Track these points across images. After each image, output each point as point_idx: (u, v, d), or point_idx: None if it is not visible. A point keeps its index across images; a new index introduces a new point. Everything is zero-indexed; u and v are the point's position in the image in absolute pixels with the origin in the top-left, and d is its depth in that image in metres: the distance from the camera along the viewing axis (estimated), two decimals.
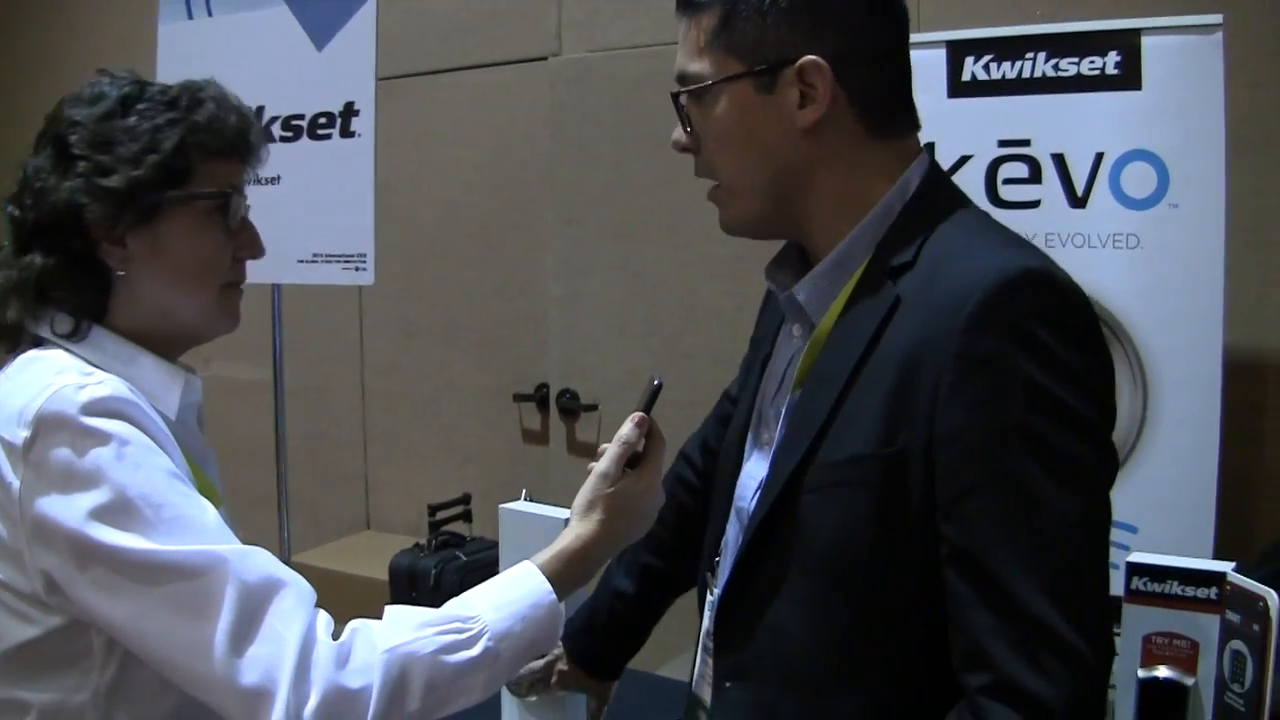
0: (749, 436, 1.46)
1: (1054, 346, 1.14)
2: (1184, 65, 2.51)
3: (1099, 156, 2.61)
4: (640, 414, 1.43)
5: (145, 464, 1.26)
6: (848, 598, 1.24)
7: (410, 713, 1.22)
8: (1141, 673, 1.55)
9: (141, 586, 1.22)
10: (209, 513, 1.28)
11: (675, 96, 1.34)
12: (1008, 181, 2.71)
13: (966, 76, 2.75)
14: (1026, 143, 2.69)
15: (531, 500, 1.90)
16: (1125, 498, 2.55)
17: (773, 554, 1.29)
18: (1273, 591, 1.38)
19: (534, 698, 1.83)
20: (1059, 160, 2.65)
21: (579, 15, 3.88)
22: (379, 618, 1.30)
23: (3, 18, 5.78)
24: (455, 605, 1.31)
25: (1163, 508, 2.51)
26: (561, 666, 1.78)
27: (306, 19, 2.96)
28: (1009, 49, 2.69)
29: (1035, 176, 2.68)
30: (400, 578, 3.63)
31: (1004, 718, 1.10)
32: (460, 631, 1.27)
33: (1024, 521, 1.13)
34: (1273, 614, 1.37)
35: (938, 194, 1.34)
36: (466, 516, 3.93)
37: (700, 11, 1.31)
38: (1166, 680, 1.54)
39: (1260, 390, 2.83)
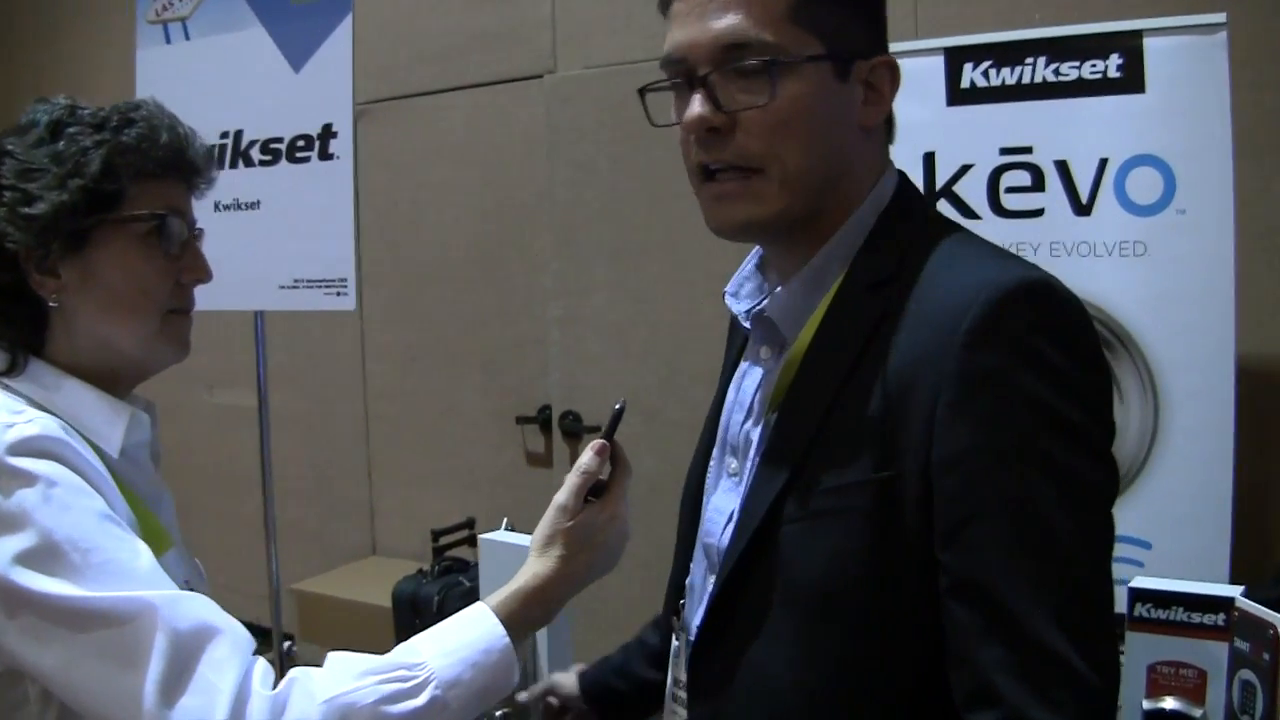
0: (712, 468, 1.39)
1: (1058, 361, 1.08)
2: (1188, 66, 2.44)
3: (1103, 162, 2.53)
4: (600, 441, 1.36)
5: (74, 506, 1.21)
6: (838, 635, 1.16)
7: None
8: (1147, 704, 1.48)
9: (69, 633, 1.16)
10: (142, 556, 1.22)
11: (736, 64, 1.19)
12: (1010, 190, 2.65)
13: (965, 84, 2.68)
14: (1028, 150, 2.62)
15: (512, 530, 1.83)
16: (1137, 513, 2.51)
17: (752, 592, 1.21)
18: None
19: None
20: (1062, 167, 2.58)
21: (574, 32, 3.84)
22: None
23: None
24: (401, 651, 1.25)
25: (1176, 522, 2.45)
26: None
27: (283, 40, 2.91)
28: (1008, 54, 2.62)
29: (1038, 184, 2.61)
30: (403, 605, 3.58)
31: None
32: (404, 680, 1.20)
33: (1034, 547, 1.06)
34: None
35: (912, 205, 1.28)
36: (471, 541, 3.87)
37: None
38: (1173, 712, 1.47)
39: (1274, 399, 2.75)
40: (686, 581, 1.40)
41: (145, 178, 1.39)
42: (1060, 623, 1.03)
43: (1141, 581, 1.52)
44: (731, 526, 1.27)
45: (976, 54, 2.66)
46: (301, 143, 2.89)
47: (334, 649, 1.25)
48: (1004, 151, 2.64)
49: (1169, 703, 1.47)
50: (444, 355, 4.28)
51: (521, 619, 1.30)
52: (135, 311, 1.40)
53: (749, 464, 1.28)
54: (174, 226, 1.42)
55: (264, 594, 4.57)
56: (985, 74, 2.65)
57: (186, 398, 4.80)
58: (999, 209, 2.65)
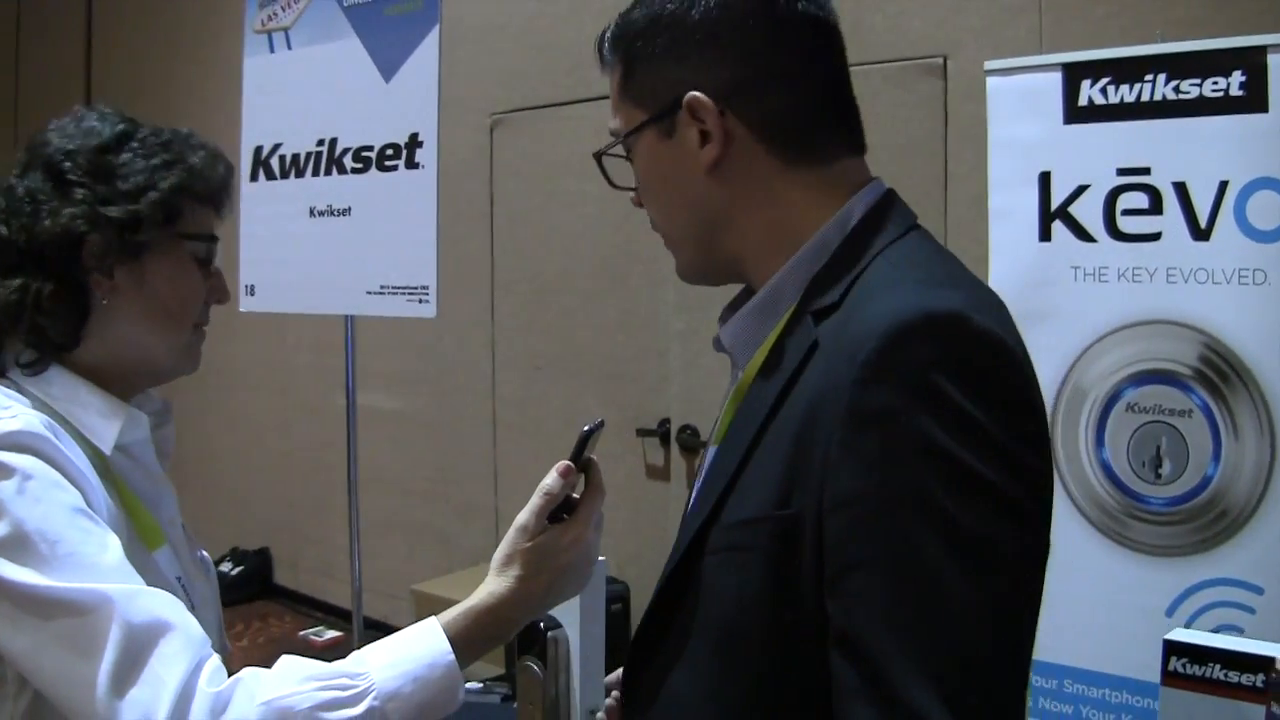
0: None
1: (959, 400, 0.98)
2: None
3: (1223, 185, 2.41)
4: (565, 463, 1.34)
5: (45, 499, 1.25)
6: (741, 670, 1.11)
7: None
8: None
9: (36, 620, 1.21)
10: (109, 550, 1.26)
11: (597, 156, 1.30)
12: (1126, 213, 2.54)
13: (1083, 101, 2.59)
14: (1146, 171, 2.51)
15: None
16: (1250, 554, 2.39)
17: (678, 618, 1.18)
18: None
19: None
20: (1181, 189, 2.47)
21: None
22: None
23: (115, 38, 6.37)
24: (349, 660, 1.26)
25: None
26: None
27: (376, 51, 2.97)
28: (1127, 71, 2.52)
29: (1156, 207, 2.50)
30: None
31: None
32: (345, 689, 1.21)
33: (914, 604, 0.97)
34: None
35: (882, 225, 1.19)
36: None
37: (611, 68, 1.26)
38: None
39: None
40: None
41: (200, 202, 1.49)
42: (938, 688, 0.94)
43: (1178, 635, 1.42)
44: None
45: (1094, 70, 2.56)
46: (390, 151, 2.93)
47: None
48: (1121, 172, 2.54)
49: None
50: (569, 364, 4.31)
51: (472, 636, 1.29)
52: (173, 321, 1.48)
53: (693, 494, 1.26)
54: (214, 250, 1.52)
55: (389, 593, 4.67)
56: (1103, 91, 2.55)
57: (325, 400, 4.94)
58: (1115, 232, 2.55)
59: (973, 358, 1.02)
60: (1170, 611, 2.42)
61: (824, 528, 1.03)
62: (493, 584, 1.32)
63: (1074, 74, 2.59)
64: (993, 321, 1.05)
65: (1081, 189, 2.59)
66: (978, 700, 0.96)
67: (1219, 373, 2.43)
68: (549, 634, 2.47)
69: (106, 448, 1.40)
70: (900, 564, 0.98)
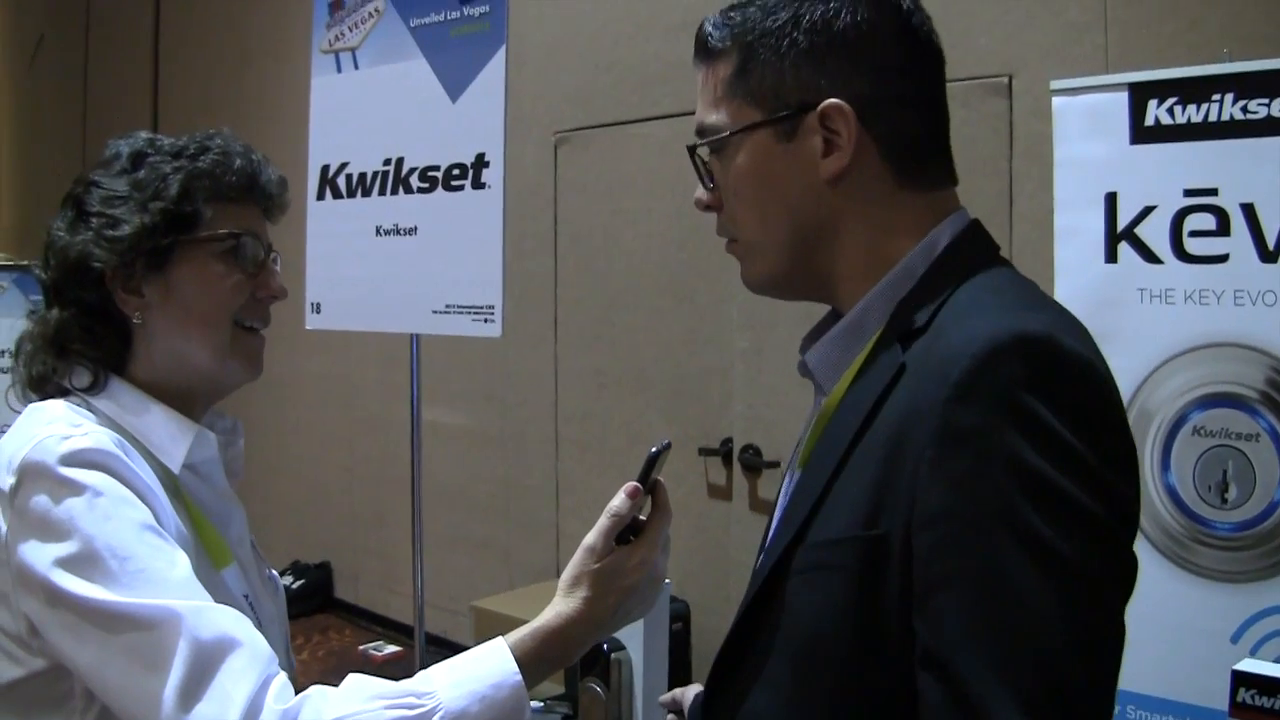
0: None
1: (1049, 421, 0.99)
2: None
3: None
4: (633, 484, 1.34)
5: (115, 515, 1.27)
6: (825, 689, 1.11)
7: None
8: None
9: (103, 634, 1.23)
10: (178, 567, 1.28)
11: (691, 151, 1.27)
12: (1194, 234, 2.51)
13: (1150, 121, 2.56)
14: (1214, 192, 2.48)
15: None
16: None
17: (761, 638, 1.18)
18: None
19: None
20: (1248, 210, 2.43)
21: None
22: None
23: (183, 58, 6.51)
24: (416, 679, 1.26)
25: None
26: None
27: (442, 71, 2.99)
28: (1194, 91, 2.49)
29: (1224, 228, 2.47)
30: None
31: None
32: (412, 707, 1.22)
33: (1000, 623, 0.98)
34: None
35: (969, 252, 1.21)
36: None
37: (716, 59, 1.24)
38: None
39: None
40: None
41: (222, 201, 1.49)
42: (1023, 708, 0.95)
43: (1247, 665, 1.40)
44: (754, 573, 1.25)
45: (1161, 90, 2.54)
46: (456, 171, 2.95)
47: None
48: (1188, 193, 2.51)
49: None
50: (632, 382, 4.31)
51: (538, 656, 1.29)
52: (207, 322, 1.49)
53: (776, 515, 1.26)
54: (248, 246, 1.51)
55: (449, 608, 4.70)
56: (1170, 111, 2.53)
57: (388, 415, 4.98)
58: (1182, 253, 2.52)
59: (1063, 379, 1.03)
60: (1235, 638, 2.38)
61: (913, 545, 1.04)
62: (560, 605, 1.32)
63: (1140, 94, 2.57)
64: (1081, 345, 1.06)
65: (1148, 210, 2.56)
66: (1061, 717, 0.96)
67: None
68: (612, 656, 2.47)
69: (175, 466, 1.43)
70: (987, 582, 0.99)
